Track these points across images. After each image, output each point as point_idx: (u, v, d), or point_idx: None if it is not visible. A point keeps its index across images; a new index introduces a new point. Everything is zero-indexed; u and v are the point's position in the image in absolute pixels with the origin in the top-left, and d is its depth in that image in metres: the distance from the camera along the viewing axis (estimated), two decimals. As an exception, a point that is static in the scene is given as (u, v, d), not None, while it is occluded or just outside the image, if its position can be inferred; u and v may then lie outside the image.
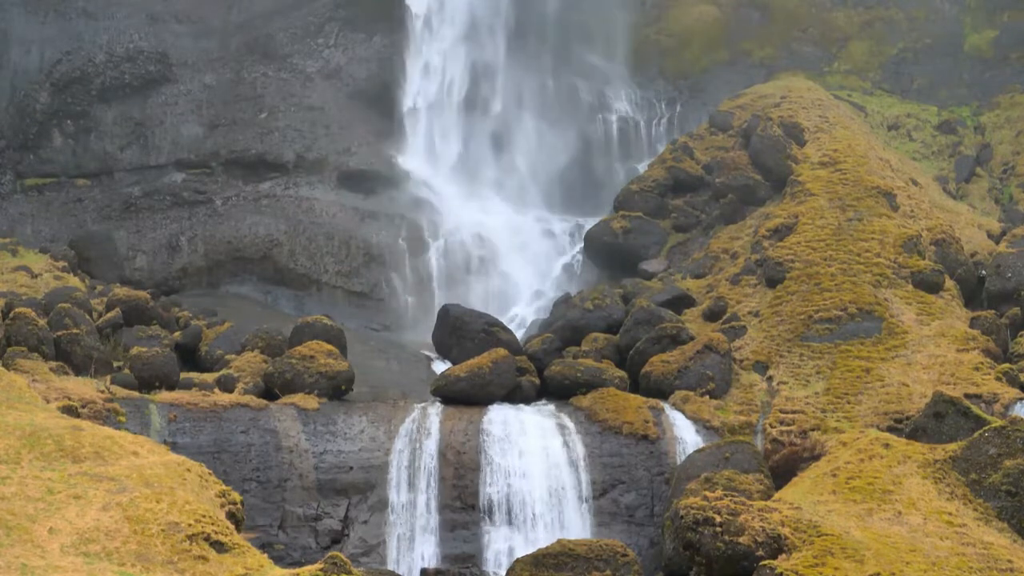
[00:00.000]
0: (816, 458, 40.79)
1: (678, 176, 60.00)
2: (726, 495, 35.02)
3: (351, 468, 41.74)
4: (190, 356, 47.10)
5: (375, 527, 41.16)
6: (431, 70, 66.81)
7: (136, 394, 41.68)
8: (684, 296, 51.59)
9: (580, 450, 42.40)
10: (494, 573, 40.32)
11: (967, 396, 42.26)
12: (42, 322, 43.62)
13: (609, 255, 58.15)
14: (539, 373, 46.53)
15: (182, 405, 41.63)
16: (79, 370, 42.89)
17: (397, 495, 41.52)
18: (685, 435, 43.11)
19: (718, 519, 33.72)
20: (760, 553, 33.14)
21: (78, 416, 37.61)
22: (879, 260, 49.98)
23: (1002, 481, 35.97)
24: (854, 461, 37.94)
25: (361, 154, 63.42)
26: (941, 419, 40.03)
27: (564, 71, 69.05)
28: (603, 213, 60.99)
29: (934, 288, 49.45)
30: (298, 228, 60.57)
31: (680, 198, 59.54)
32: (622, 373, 46.07)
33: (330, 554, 29.36)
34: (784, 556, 32.99)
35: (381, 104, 64.86)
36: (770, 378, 46.02)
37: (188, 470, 32.42)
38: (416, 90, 65.97)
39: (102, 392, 40.88)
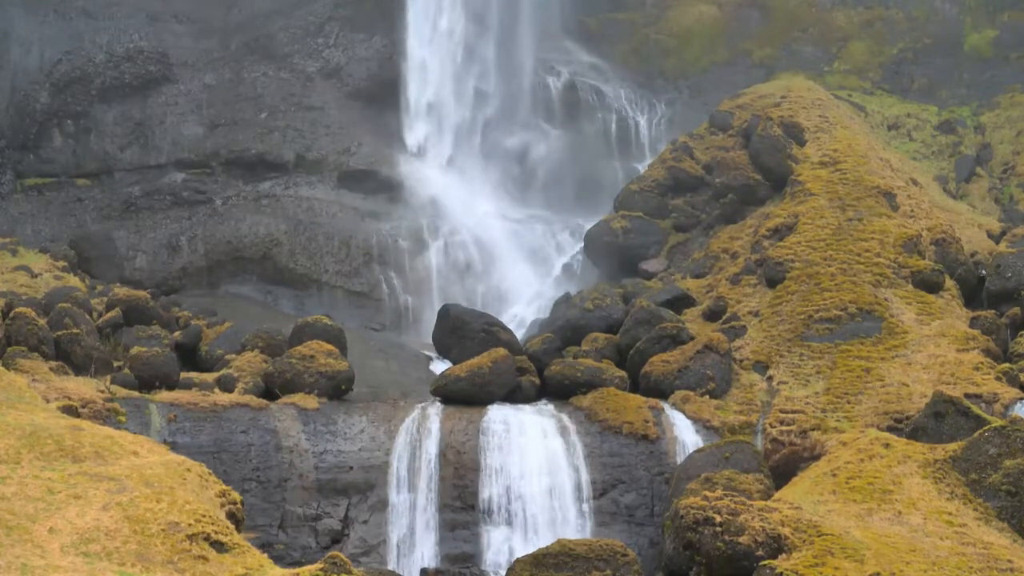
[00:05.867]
0: (816, 458, 40.75)
1: (678, 176, 59.94)
2: (726, 495, 35.00)
3: (351, 468, 41.73)
4: (190, 356, 47.05)
5: (375, 527, 41.16)
6: (430, 70, 66.78)
7: (136, 394, 41.63)
8: (684, 296, 51.57)
9: (580, 450, 42.38)
10: (494, 573, 40.31)
11: (967, 396, 42.20)
12: (42, 322, 43.58)
13: (609, 255, 58.08)
14: (539, 373, 46.48)
15: (182, 405, 41.59)
16: (79, 370, 42.84)
17: (397, 495, 41.52)
18: (685, 435, 43.08)
19: (718, 519, 33.72)
20: (760, 553, 33.14)
21: (78, 416, 37.55)
22: (879, 260, 49.95)
23: (1002, 481, 35.96)
24: (854, 461, 37.94)
25: (361, 154, 63.43)
26: (941, 419, 40.01)
27: (564, 70, 69.06)
28: (603, 213, 60.91)
29: (934, 288, 49.41)
30: (298, 228, 60.58)
31: (680, 198, 59.48)
32: (622, 373, 46.05)
33: (330, 554, 29.32)
34: (784, 556, 32.99)
35: (381, 104, 64.88)
36: (770, 378, 45.99)
37: (188, 470, 32.38)
38: (416, 90, 65.95)
39: (102, 392, 40.84)
